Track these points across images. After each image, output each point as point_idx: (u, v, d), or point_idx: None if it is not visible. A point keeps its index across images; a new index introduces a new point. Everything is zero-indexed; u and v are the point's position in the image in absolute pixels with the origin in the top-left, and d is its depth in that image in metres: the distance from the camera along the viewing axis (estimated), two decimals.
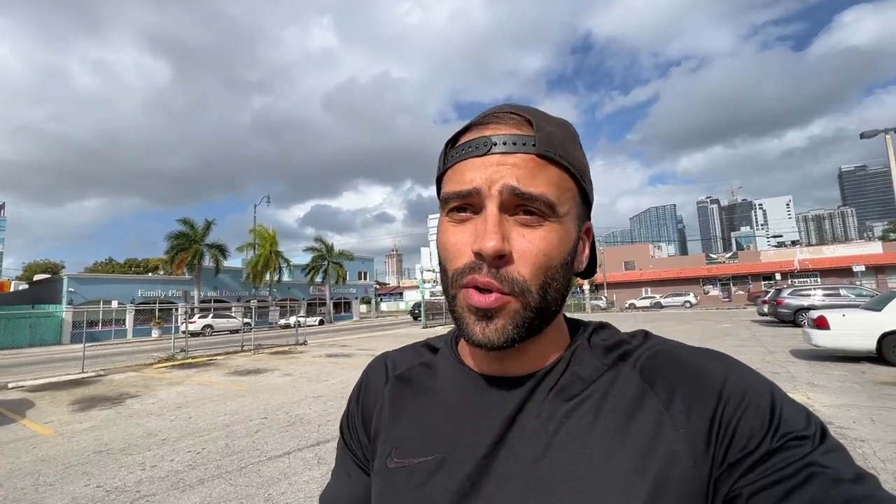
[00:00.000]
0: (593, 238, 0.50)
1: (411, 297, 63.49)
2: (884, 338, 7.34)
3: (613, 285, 45.25)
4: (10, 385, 9.44)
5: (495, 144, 0.42)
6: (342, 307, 45.12)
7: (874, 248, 38.48)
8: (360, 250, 45.21)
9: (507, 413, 0.45)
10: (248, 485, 3.66)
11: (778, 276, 37.82)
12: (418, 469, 0.46)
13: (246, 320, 28.51)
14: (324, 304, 40.78)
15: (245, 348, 15.10)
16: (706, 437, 0.38)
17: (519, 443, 0.43)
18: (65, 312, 26.29)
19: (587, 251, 0.49)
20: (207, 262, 31.83)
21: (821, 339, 7.86)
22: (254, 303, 25.82)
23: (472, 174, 0.42)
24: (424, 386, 0.53)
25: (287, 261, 37.18)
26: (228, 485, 3.68)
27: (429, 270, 43.89)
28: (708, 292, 41.31)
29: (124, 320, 30.19)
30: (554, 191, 0.42)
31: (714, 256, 45.60)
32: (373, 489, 0.50)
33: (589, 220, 0.48)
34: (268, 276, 35.15)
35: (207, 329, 27.92)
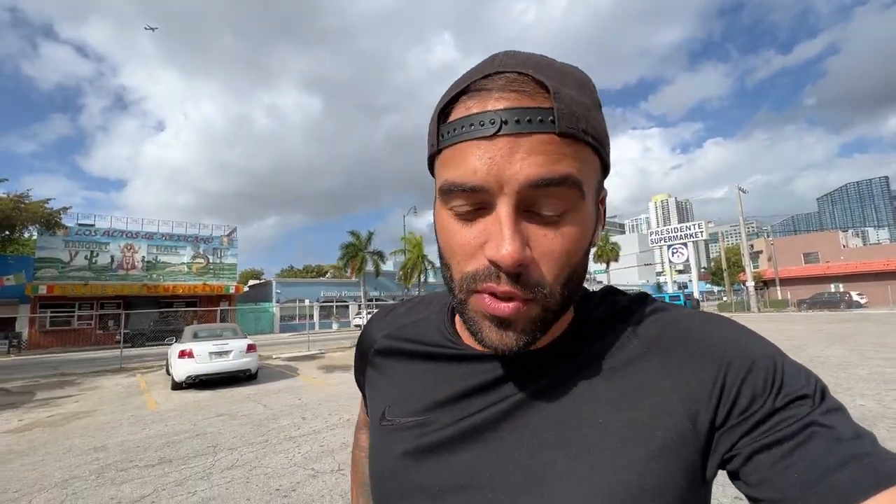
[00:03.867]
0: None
1: None
2: None
3: (788, 282, 38.76)
4: (273, 356, 13.68)
5: (505, 123, 0.33)
6: None
7: None
8: None
9: (507, 382, 0.43)
10: None
11: None
12: (405, 428, 0.46)
13: None
14: None
15: None
16: (707, 399, 0.37)
17: (519, 410, 0.41)
18: (275, 308, 34.30)
19: (602, 222, 0.43)
20: (370, 266, 37.64)
21: None
22: None
23: (477, 163, 0.34)
24: (414, 345, 0.52)
25: (432, 263, 41.48)
26: None
27: None
28: None
29: (312, 315, 37.65)
30: (579, 173, 0.35)
31: None
32: (369, 443, 0.51)
33: (604, 187, 0.42)
34: (416, 278, 39.76)
35: None
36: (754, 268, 39.02)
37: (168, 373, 10.17)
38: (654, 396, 0.39)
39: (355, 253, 37.05)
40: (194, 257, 30.70)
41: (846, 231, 47.44)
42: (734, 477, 0.37)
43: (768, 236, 46.55)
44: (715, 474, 0.39)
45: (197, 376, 8.31)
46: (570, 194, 0.35)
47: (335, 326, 36.13)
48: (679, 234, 42.93)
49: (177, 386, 8.42)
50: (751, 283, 33.70)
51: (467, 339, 0.48)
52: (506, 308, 0.36)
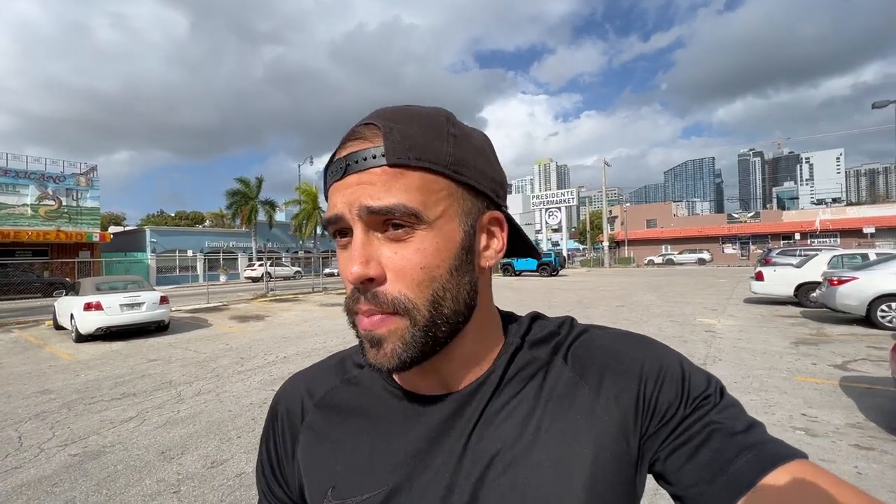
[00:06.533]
0: (511, 224, 0.47)
1: None
2: (799, 287, 10.15)
3: (635, 242, 47.45)
4: (173, 310, 13.39)
5: (349, 165, 0.40)
6: None
7: None
8: None
9: (460, 431, 0.44)
10: None
11: (797, 236, 38.96)
12: None
13: (297, 269, 32.74)
14: None
15: (315, 290, 19.03)
16: (633, 416, 0.42)
17: (474, 457, 0.43)
18: (150, 259, 31.19)
19: (498, 243, 0.45)
20: (262, 216, 35.84)
21: (758, 288, 10.72)
22: (301, 253, 29.85)
23: (334, 199, 0.41)
24: (353, 409, 0.49)
25: None
26: None
27: None
28: (724, 251, 42.95)
29: (196, 267, 35.00)
30: (415, 196, 0.39)
31: (735, 215, 46.67)
32: None
33: (491, 209, 0.45)
34: (311, 230, 39.14)
35: (266, 276, 32.41)
36: (610, 230, 46.72)
37: (58, 327, 9.76)
38: (591, 420, 0.43)
39: (245, 201, 34.83)
40: (41, 198, 26.08)
41: (678, 202, 58.73)
42: (658, 478, 0.43)
43: (624, 204, 55.47)
44: (645, 480, 0.44)
45: (108, 328, 8.37)
46: (406, 218, 0.38)
47: (223, 279, 34.23)
48: (555, 199, 48.93)
49: (81, 338, 8.37)
50: (606, 244, 40.50)
51: (406, 384, 0.48)
52: (368, 322, 0.40)
